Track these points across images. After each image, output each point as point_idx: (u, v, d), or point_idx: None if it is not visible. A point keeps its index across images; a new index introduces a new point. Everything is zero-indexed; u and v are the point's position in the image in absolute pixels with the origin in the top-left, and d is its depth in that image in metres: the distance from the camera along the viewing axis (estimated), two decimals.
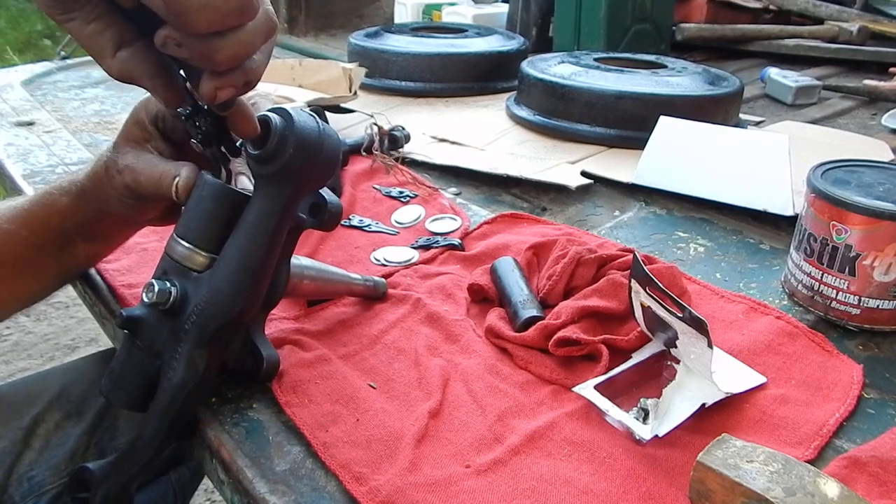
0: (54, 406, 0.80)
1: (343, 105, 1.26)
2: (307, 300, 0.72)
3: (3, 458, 0.76)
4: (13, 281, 0.66)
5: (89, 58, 1.69)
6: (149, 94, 0.58)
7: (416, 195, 0.97)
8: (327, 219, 0.59)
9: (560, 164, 1.07)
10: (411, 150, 1.11)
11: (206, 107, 0.55)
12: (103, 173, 0.63)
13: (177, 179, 0.59)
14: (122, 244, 0.73)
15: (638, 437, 0.56)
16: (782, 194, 0.88)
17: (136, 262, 0.80)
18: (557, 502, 0.51)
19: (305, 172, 0.55)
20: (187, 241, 0.56)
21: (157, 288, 0.54)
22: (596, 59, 1.30)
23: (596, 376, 0.61)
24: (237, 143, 0.57)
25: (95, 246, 0.70)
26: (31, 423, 0.78)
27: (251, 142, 0.54)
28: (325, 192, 0.60)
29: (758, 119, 1.35)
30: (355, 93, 1.24)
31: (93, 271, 0.79)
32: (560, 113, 1.19)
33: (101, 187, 0.64)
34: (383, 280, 0.74)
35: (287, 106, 0.55)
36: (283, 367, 0.62)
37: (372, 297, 0.73)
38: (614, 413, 0.57)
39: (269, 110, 0.54)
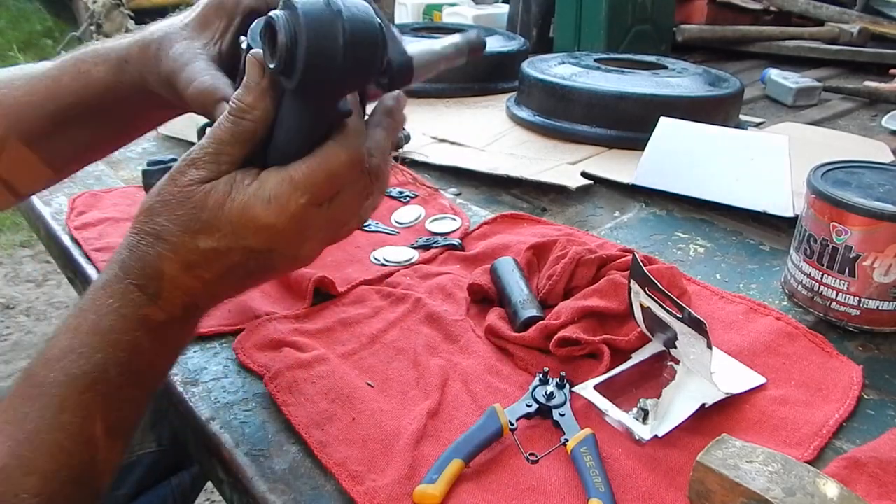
0: None
1: None
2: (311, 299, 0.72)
3: None
4: (41, 161, 0.61)
5: None
6: None
7: (417, 195, 0.97)
8: (395, 79, 0.50)
9: (560, 164, 1.07)
10: (411, 150, 1.11)
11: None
12: (153, 50, 0.57)
13: (222, 105, 0.51)
14: (152, 129, 0.68)
15: (637, 438, 0.56)
16: (782, 195, 0.88)
17: None
18: (558, 502, 0.51)
19: (331, 70, 0.43)
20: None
21: None
22: (596, 60, 1.30)
23: (596, 376, 0.61)
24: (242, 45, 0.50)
25: (125, 127, 0.65)
26: None
27: (267, 54, 0.45)
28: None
29: (758, 120, 1.35)
30: None
31: (94, 271, 0.79)
32: (560, 114, 1.19)
33: (146, 62, 0.57)
34: (475, 32, 0.58)
35: None
36: (279, 368, 0.62)
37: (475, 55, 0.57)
38: (614, 413, 0.57)
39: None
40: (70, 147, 0.63)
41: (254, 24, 0.52)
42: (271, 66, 0.45)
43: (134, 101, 0.60)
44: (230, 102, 0.48)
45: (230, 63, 0.56)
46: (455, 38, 0.55)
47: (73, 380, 0.45)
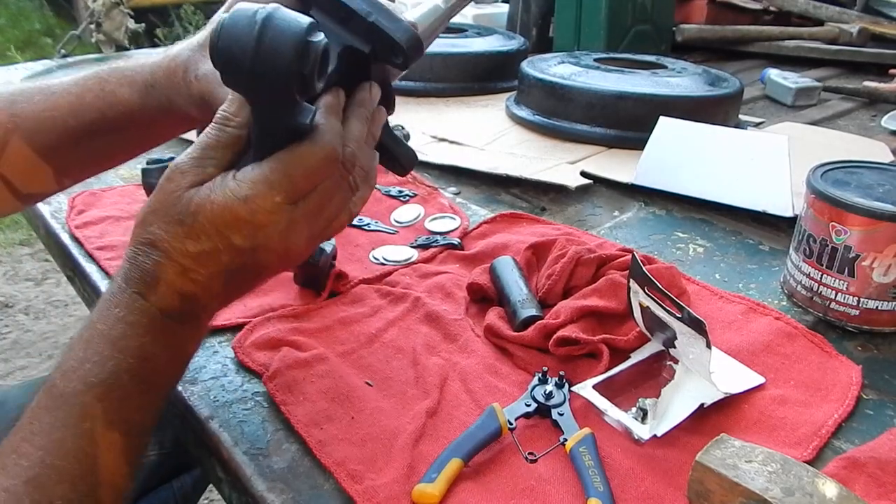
0: None
1: None
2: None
3: None
4: (53, 173, 0.63)
5: (89, 56, 1.69)
6: None
7: (416, 194, 0.97)
8: (407, 56, 0.52)
9: (559, 164, 1.07)
10: None
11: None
12: (181, 73, 0.58)
13: (222, 112, 0.51)
14: (168, 140, 0.69)
15: (636, 437, 0.56)
16: (782, 195, 0.88)
17: None
18: (556, 502, 0.51)
19: (241, 59, 0.45)
20: None
21: None
22: (596, 60, 1.30)
23: (595, 376, 0.61)
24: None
25: (145, 141, 0.67)
26: None
27: None
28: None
29: (758, 120, 1.35)
30: None
31: (93, 269, 0.79)
32: (560, 113, 1.19)
33: (174, 86, 0.59)
34: None
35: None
36: (278, 367, 0.62)
37: None
38: (613, 413, 0.57)
39: None
40: (87, 159, 0.65)
41: None
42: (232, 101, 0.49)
43: (157, 120, 0.62)
44: (218, 111, 0.50)
45: None
46: None
47: (90, 388, 0.47)
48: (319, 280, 0.74)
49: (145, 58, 0.62)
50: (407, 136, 1.11)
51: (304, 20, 0.46)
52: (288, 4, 0.53)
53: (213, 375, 0.63)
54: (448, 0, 0.55)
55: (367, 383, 0.62)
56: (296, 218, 0.49)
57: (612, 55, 1.38)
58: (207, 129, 0.50)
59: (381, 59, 0.55)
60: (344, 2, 0.52)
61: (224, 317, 0.69)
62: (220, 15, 0.49)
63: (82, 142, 0.62)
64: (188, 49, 0.59)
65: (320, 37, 0.46)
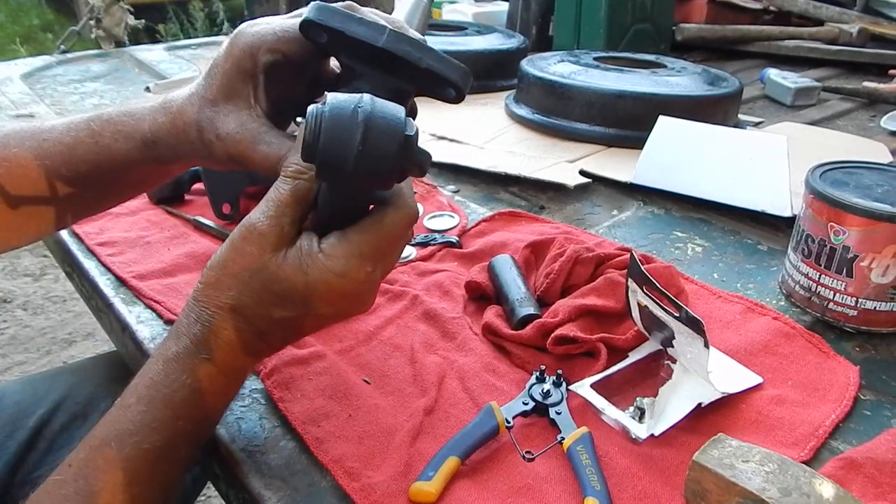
0: (60, 407, 0.79)
1: None
2: None
3: (7, 458, 0.75)
4: (43, 215, 0.60)
5: (89, 52, 1.68)
6: (258, 30, 0.54)
7: (415, 192, 0.97)
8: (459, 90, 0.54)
9: (559, 162, 1.07)
10: None
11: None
12: (194, 133, 0.56)
13: (293, 166, 0.50)
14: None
15: (634, 436, 0.56)
16: (781, 195, 0.88)
17: (141, 255, 0.80)
18: (553, 500, 0.51)
19: (345, 155, 0.45)
20: None
21: None
22: (595, 59, 1.30)
23: (592, 375, 0.61)
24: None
25: (143, 187, 0.65)
26: (36, 423, 0.78)
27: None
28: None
29: (757, 120, 1.35)
30: None
31: (92, 265, 0.79)
32: (559, 112, 1.19)
33: (184, 144, 0.57)
34: None
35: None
36: (276, 364, 0.62)
37: None
38: (610, 412, 0.57)
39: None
40: (83, 203, 0.63)
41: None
42: (301, 146, 0.46)
43: (157, 169, 0.61)
44: (284, 165, 0.50)
45: (278, 122, 0.57)
46: None
47: (144, 454, 0.47)
48: None
49: (140, 108, 0.59)
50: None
51: (401, 114, 0.46)
52: (305, 52, 0.54)
53: None
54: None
55: (365, 381, 0.62)
56: (377, 278, 0.51)
57: (611, 54, 1.38)
58: (278, 183, 0.49)
59: (429, 94, 0.56)
60: (389, 49, 0.51)
61: None
62: (314, 107, 0.46)
63: (77, 188, 0.60)
64: (192, 105, 0.56)
65: (414, 127, 0.47)
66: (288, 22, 0.55)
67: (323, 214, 0.51)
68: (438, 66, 0.52)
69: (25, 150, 0.58)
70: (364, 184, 0.48)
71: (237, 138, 0.54)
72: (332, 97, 0.46)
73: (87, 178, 0.59)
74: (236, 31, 0.55)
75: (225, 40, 0.57)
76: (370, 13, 0.54)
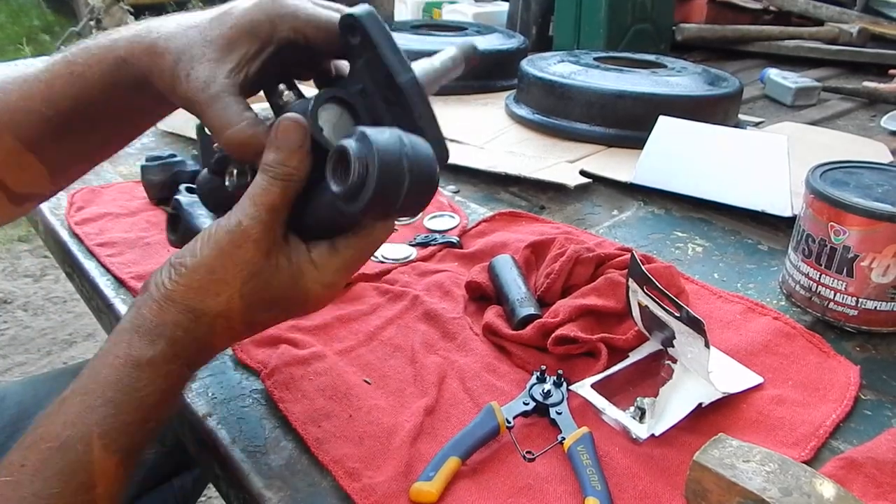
0: None
1: None
2: None
3: None
4: (42, 166, 0.59)
5: None
6: (291, 4, 0.52)
7: None
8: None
9: (559, 162, 1.07)
10: None
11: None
12: (168, 60, 0.52)
13: (281, 167, 0.49)
14: (154, 124, 0.65)
15: (634, 436, 0.56)
16: (781, 195, 0.88)
17: (141, 255, 0.80)
18: (554, 500, 0.51)
19: (394, 201, 0.45)
20: None
21: None
22: (596, 59, 1.30)
23: (593, 375, 0.61)
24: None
25: (126, 126, 0.62)
26: None
27: (333, 174, 0.46)
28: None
29: (757, 120, 1.35)
30: None
31: (92, 266, 0.79)
32: (559, 112, 1.19)
33: (153, 66, 0.53)
34: (470, 42, 0.62)
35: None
36: (277, 364, 0.62)
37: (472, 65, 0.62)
38: (611, 412, 0.57)
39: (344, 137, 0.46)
40: (74, 150, 0.61)
41: (309, 104, 0.51)
42: (335, 189, 0.46)
43: (134, 98, 0.57)
44: (270, 166, 0.48)
45: (250, 92, 0.54)
46: (451, 52, 0.58)
47: (112, 455, 0.46)
48: None
49: (120, 32, 0.55)
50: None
51: (431, 153, 0.47)
52: (326, 44, 0.53)
53: (211, 373, 0.63)
54: (443, 62, 0.56)
55: (366, 381, 0.62)
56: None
57: (611, 54, 1.38)
58: (266, 184, 0.48)
59: None
60: (403, 90, 0.50)
61: None
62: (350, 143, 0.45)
63: (63, 132, 0.58)
64: (180, 34, 0.53)
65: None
66: (324, 13, 0.53)
67: (310, 220, 0.50)
68: (429, 133, 0.50)
69: (7, 94, 0.57)
70: (390, 217, 0.50)
71: (200, 86, 0.51)
72: (375, 139, 0.44)
73: (68, 117, 0.57)
74: None
75: None
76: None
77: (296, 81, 0.55)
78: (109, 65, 0.54)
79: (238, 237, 0.47)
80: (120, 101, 0.56)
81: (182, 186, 0.66)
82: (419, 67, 0.54)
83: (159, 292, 0.48)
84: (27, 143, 0.57)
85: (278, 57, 0.53)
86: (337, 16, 0.52)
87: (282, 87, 0.54)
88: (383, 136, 0.44)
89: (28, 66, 0.58)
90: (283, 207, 0.48)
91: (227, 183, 0.55)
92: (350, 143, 0.45)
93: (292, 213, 0.50)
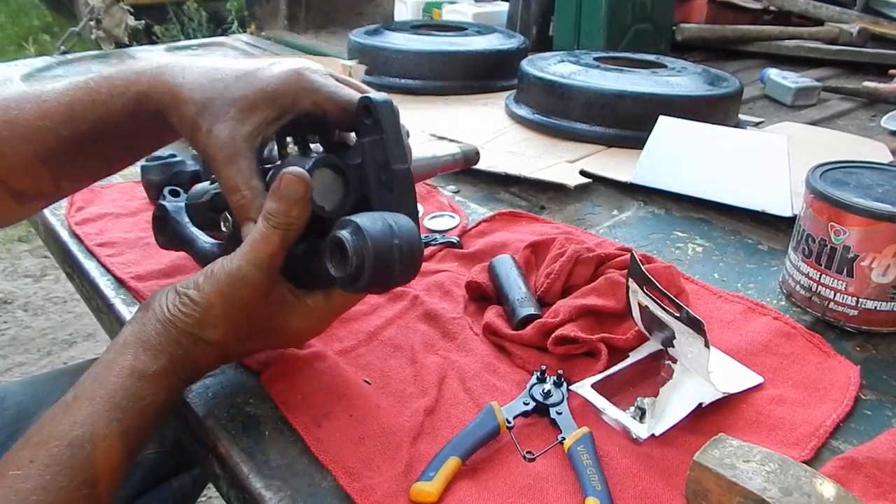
0: None
1: None
2: None
3: None
4: (52, 177, 0.62)
5: (88, 53, 1.68)
6: (316, 80, 0.57)
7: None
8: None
9: (559, 162, 1.07)
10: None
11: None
12: (191, 111, 0.56)
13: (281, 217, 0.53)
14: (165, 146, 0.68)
15: (634, 436, 0.56)
16: (781, 195, 0.88)
17: (141, 256, 0.80)
18: (554, 501, 0.51)
19: (388, 282, 0.52)
20: None
21: None
22: (596, 59, 1.30)
23: (593, 375, 0.61)
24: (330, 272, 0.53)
25: (140, 149, 0.67)
26: None
27: (330, 260, 0.51)
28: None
29: (757, 120, 1.35)
30: None
31: (92, 266, 0.79)
32: (559, 112, 1.19)
33: (175, 111, 0.57)
34: (473, 147, 0.70)
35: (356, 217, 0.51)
36: (277, 364, 0.62)
37: (467, 166, 0.71)
38: (611, 412, 0.57)
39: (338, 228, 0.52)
40: (84, 166, 0.64)
41: (307, 162, 0.55)
42: (334, 274, 0.51)
43: (151, 127, 0.61)
44: (272, 215, 0.52)
45: (259, 151, 0.58)
46: (454, 150, 0.70)
47: (115, 454, 0.50)
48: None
49: (144, 64, 0.60)
50: (406, 135, 1.11)
51: (418, 234, 0.52)
52: (339, 119, 0.58)
53: (211, 373, 0.63)
54: (444, 157, 0.68)
55: (366, 381, 0.62)
56: None
57: (611, 54, 1.38)
58: (266, 231, 0.52)
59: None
60: (396, 177, 0.56)
61: None
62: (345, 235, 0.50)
63: (77, 150, 0.61)
64: (212, 90, 0.57)
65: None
66: (345, 92, 0.58)
67: (302, 269, 0.56)
68: (409, 214, 0.56)
69: (26, 113, 0.60)
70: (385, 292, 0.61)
71: (219, 145, 0.55)
72: (368, 232, 0.50)
73: (86, 137, 0.60)
74: (301, 66, 0.58)
75: (284, 64, 0.58)
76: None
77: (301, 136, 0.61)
78: (131, 97, 0.58)
79: (238, 281, 0.53)
80: (137, 129, 0.61)
81: (166, 190, 0.71)
82: (421, 158, 0.64)
83: (164, 315, 0.53)
84: (40, 156, 0.61)
85: (296, 125, 0.59)
86: (355, 97, 0.57)
87: (289, 140, 0.60)
88: (376, 227, 0.50)
89: (45, 86, 0.61)
90: (280, 254, 0.53)
91: (222, 227, 0.62)
92: (346, 236, 0.50)
93: (287, 258, 0.55)
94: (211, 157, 0.56)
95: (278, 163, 0.59)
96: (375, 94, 0.56)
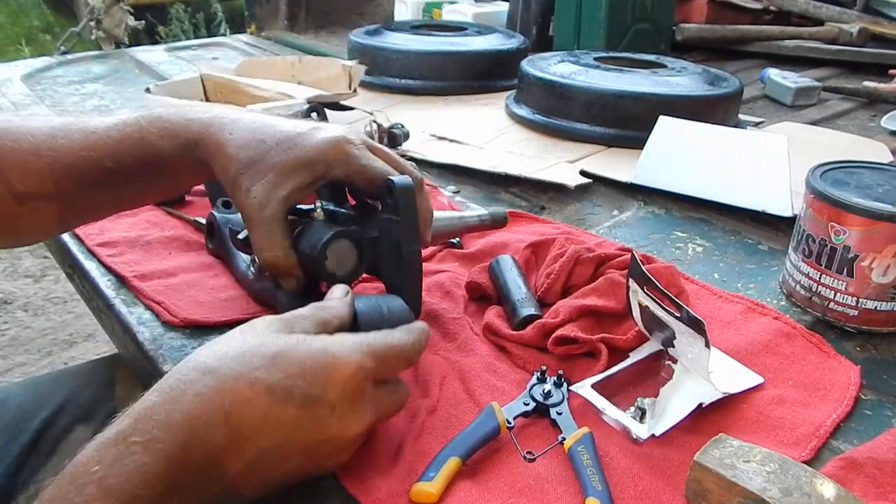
0: (63, 410, 0.79)
1: (343, 102, 1.26)
2: None
3: (9, 460, 0.75)
4: (90, 200, 0.66)
5: (89, 53, 1.68)
6: (350, 152, 0.61)
7: None
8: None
9: (559, 163, 1.07)
10: (410, 147, 1.11)
11: None
12: (233, 169, 0.61)
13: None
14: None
15: (635, 437, 0.56)
16: (781, 195, 0.88)
17: (142, 256, 0.80)
18: (554, 501, 0.51)
19: None
20: None
21: None
22: (596, 59, 1.30)
23: (593, 375, 0.61)
24: None
25: (176, 187, 0.73)
26: (39, 426, 0.77)
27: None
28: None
29: (757, 120, 1.35)
30: (355, 90, 1.24)
31: (93, 266, 0.79)
32: (559, 112, 1.19)
33: (218, 158, 0.62)
34: (502, 211, 0.76)
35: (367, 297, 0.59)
36: None
37: (494, 228, 0.78)
38: (611, 412, 0.57)
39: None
40: (118, 198, 0.68)
41: (327, 233, 0.62)
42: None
43: (194, 171, 0.66)
44: (326, 312, 0.54)
45: (292, 207, 0.63)
46: (482, 213, 0.78)
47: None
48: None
49: (196, 112, 0.64)
50: (406, 135, 1.11)
51: (408, 310, 0.58)
52: (366, 190, 0.64)
53: None
54: (469, 217, 0.76)
55: None
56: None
57: (611, 54, 1.38)
58: (325, 318, 0.53)
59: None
60: (404, 256, 0.63)
61: (223, 314, 0.69)
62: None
63: (117, 182, 0.65)
64: (254, 151, 0.61)
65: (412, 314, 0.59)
66: (376, 167, 0.62)
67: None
68: (409, 294, 0.63)
69: (72, 142, 0.63)
70: None
71: (256, 205, 0.60)
72: (360, 312, 0.57)
73: (130, 171, 0.64)
74: (340, 137, 0.62)
75: (325, 131, 0.63)
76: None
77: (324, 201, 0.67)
78: (181, 143, 0.63)
79: (282, 360, 0.50)
80: (180, 170, 0.66)
81: (219, 201, 0.78)
82: (446, 217, 0.72)
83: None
84: (80, 185, 0.64)
85: (324, 189, 0.64)
86: (383, 174, 0.62)
87: (318, 204, 0.65)
88: (371, 314, 0.56)
89: (92, 121, 0.65)
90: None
91: (250, 271, 0.71)
92: (360, 307, 0.57)
93: None
94: (248, 216, 0.61)
95: (304, 221, 0.64)
96: (398, 178, 0.61)
